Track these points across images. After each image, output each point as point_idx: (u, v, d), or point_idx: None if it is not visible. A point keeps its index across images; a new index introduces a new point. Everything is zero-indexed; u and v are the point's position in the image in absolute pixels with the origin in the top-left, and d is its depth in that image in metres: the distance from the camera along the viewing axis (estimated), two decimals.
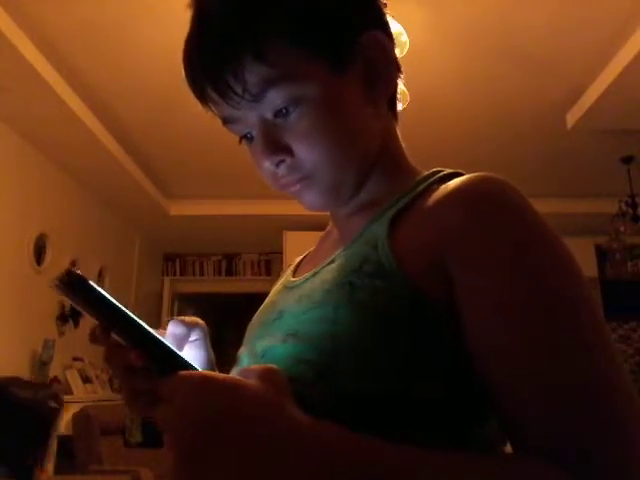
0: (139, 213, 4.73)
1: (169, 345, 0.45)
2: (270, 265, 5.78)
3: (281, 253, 4.92)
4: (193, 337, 0.57)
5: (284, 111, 0.53)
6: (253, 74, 0.51)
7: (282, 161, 0.55)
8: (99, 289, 0.42)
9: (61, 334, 3.76)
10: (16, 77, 2.73)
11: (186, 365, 0.44)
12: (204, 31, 0.53)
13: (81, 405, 3.41)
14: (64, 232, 3.87)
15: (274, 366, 0.45)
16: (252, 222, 4.85)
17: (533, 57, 2.82)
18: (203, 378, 0.41)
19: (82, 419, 3.30)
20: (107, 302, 0.43)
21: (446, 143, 3.67)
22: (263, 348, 0.56)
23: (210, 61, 0.52)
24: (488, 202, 0.48)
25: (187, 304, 6.56)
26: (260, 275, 5.78)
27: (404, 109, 2.40)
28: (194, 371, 0.43)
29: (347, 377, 0.47)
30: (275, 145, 0.55)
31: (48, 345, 3.51)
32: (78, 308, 0.44)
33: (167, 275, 5.90)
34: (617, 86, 2.88)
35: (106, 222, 4.58)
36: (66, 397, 3.54)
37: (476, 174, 0.51)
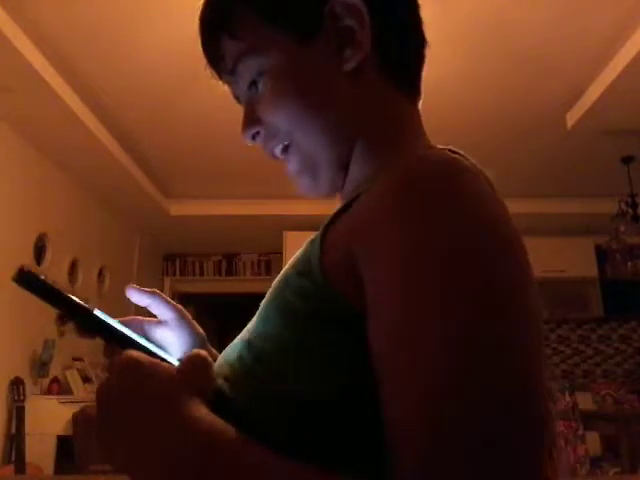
0: (139, 213, 4.72)
1: (121, 329, 0.50)
2: (270, 265, 5.77)
3: (281, 253, 4.91)
4: (165, 315, 0.60)
5: (254, 83, 0.56)
6: (228, 50, 0.56)
7: (257, 133, 0.58)
8: (50, 283, 0.46)
9: (61, 334, 3.75)
10: (16, 77, 2.73)
11: (135, 344, 0.49)
12: (200, 18, 0.59)
13: (81, 405, 3.42)
14: (64, 232, 3.87)
15: (203, 356, 0.46)
16: (252, 222, 4.84)
17: (533, 57, 2.82)
18: (128, 359, 0.45)
19: (82, 419, 3.30)
20: (59, 295, 0.47)
21: (445, 142, 3.66)
22: (233, 343, 0.56)
23: (204, 45, 0.59)
24: (410, 192, 0.42)
25: (187, 304, 6.56)
26: (260, 275, 5.77)
27: None
28: (132, 352, 0.46)
29: (267, 378, 0.45)
30: (248, 119, 0.58)
31: (48, 345, 3.51)
32: (41, 299, 0.48)
33: (167, 275, 5.89)
34: (617, 86, 2.88)
35: (106, 222, 4.58)
36: (66, 397, 3.55)
37: (419, 157, 0.47)
